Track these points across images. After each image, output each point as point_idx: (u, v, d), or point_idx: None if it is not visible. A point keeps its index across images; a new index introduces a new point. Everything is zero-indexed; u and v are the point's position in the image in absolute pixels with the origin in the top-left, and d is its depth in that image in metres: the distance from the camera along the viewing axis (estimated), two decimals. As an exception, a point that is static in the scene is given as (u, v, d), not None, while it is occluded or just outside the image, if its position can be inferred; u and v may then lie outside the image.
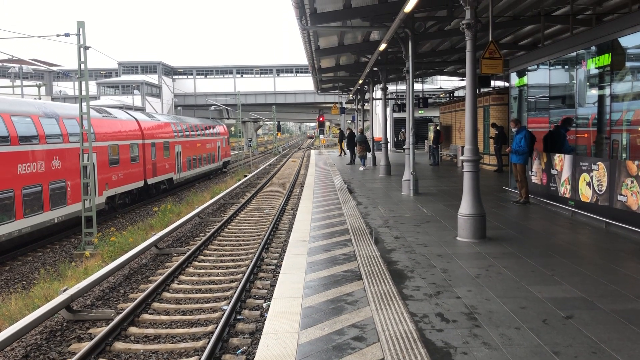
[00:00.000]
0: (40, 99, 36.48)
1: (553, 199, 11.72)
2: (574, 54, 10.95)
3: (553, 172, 11.70)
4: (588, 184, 10.11)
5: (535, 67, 12.93)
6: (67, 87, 69.02)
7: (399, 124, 37.66)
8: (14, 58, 32.61)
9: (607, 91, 9.82)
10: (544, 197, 12.16)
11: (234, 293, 9.81)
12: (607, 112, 9.84)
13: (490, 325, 5.09)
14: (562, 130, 11.64)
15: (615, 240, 8.66)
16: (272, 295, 7.53)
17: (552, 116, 12.47)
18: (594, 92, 10.64)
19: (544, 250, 8.05)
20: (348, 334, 5.01)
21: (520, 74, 13.72)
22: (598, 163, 9.77)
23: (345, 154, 34.08)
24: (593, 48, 10.18)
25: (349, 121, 56.99)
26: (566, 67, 11.75)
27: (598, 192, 9.75)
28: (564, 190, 11.15)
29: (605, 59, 9.71)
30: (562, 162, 11.24)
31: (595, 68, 10.18)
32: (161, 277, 10.89)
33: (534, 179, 12.72)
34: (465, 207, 8.76)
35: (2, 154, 15.36)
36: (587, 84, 10.78)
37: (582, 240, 8.92)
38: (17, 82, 48.37)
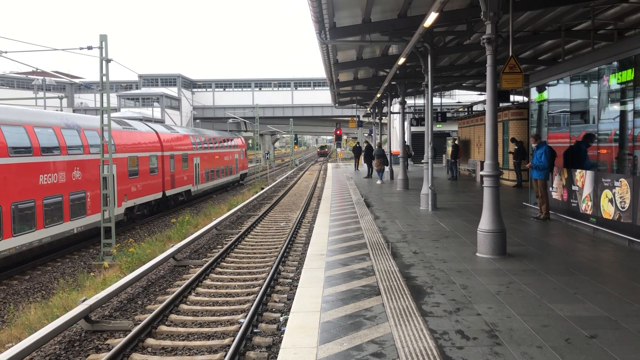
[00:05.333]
0: (61, 110, 37.09)
1: (574, 215, 11.55)
2: (596, 69, 10.85)
3: (574, 188, 11.55)
4: (610, 200, 9.96)
5: (556, 82, 12.83)
6: (88, 99, 70.17)
7: (416, 138, 37.50)
8: (38, 70, 33.29)
9: (629, 106, 9.70)
10: (565, 213, 11.99)
11: (251, 306, 9.79)
12: (630, 128, 9.72)
13: (512, 344, 5.01)
14: (583, 145, 11.50)
15: (639, 258, 8.50)
16: (289, 309, 7.52)
17: (573, 131, 12.34)
18: (615, 108, 10.52)
19: (565, 267, 7.92)
20: (367, 349, 4.97)
21: (540, 89, 13.63)
22: (621, 179, 9.63)
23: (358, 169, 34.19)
24: (615, 63, 10.08)
25: (366, 134, 56.99)
26: (587, 82, 11.64)
27: (621, 209, 9.60)
28: (585, 206, 11.00)
29: (628, 74, 9.61)
30: (584, 178, 11.10)
31: (617, 83, 10.07)
32: (179, 289, 10.92)
33: (555, 195, 12.56)
34: (485, 222, 8.68)
35: (24, 164, 15.62)
36: (609, 99, 10.66)
37: (605, 258, 8.77)
38: (40, 94, 49.25)
